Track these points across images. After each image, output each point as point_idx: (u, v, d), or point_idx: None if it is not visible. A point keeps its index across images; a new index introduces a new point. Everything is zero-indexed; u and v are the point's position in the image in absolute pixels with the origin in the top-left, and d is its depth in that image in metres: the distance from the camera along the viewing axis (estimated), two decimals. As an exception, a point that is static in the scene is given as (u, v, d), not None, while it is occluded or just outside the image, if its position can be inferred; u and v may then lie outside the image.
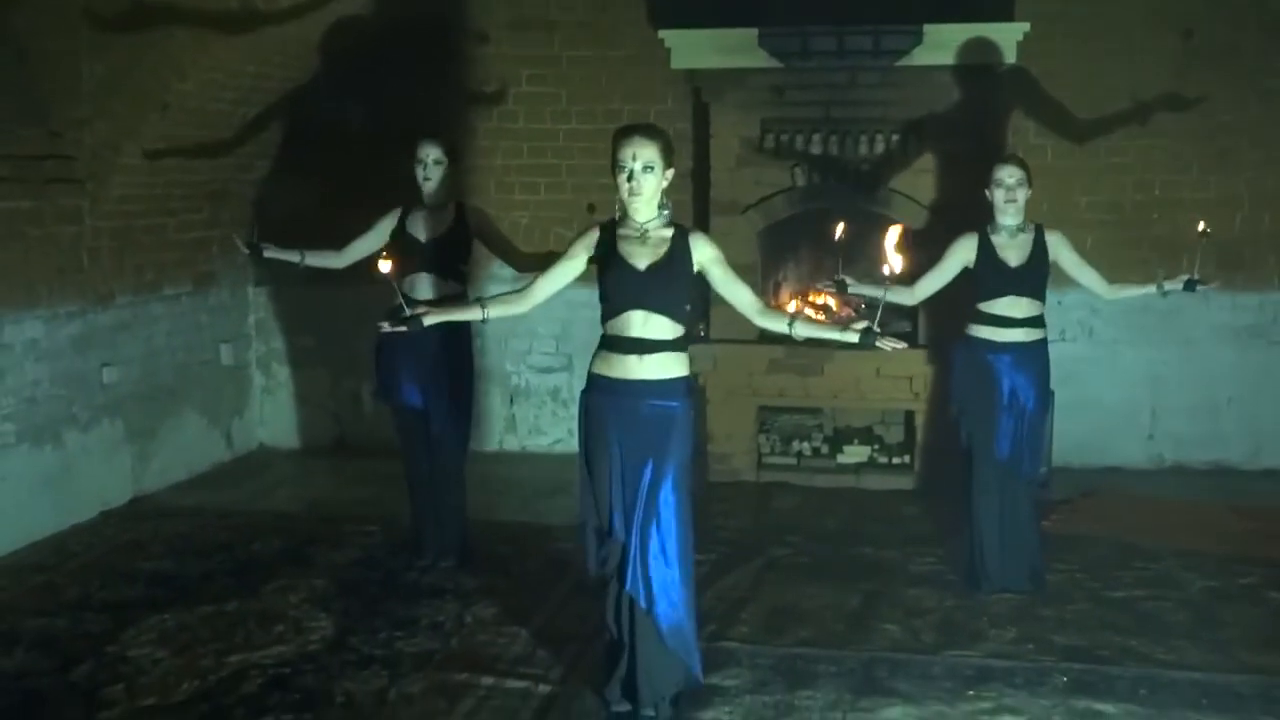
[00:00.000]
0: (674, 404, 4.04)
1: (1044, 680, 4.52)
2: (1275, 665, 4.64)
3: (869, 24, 6.76)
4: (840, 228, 5.40)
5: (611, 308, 4.06)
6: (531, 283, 4.26)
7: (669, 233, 4.06)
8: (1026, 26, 6.71)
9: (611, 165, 4.01)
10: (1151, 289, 5.49)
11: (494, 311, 4.30)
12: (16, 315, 6.06)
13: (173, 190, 7.08)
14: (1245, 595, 5.41)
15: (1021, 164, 5.37)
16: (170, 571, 5.74)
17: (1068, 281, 7.16)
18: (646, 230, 4.03)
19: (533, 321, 8.00)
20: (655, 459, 4.01)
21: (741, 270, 7.04)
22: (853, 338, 4.01)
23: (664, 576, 4.03)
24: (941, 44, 6.77)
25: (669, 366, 4.04)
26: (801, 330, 4.12)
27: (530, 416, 8.13)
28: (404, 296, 4.79)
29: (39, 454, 6.23)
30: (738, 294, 4.17)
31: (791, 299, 7.87)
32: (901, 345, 4.12)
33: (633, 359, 4.01)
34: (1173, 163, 7.38)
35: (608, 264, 4.04)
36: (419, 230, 5.61)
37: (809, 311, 7.73)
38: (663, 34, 7.02)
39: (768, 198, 7.25)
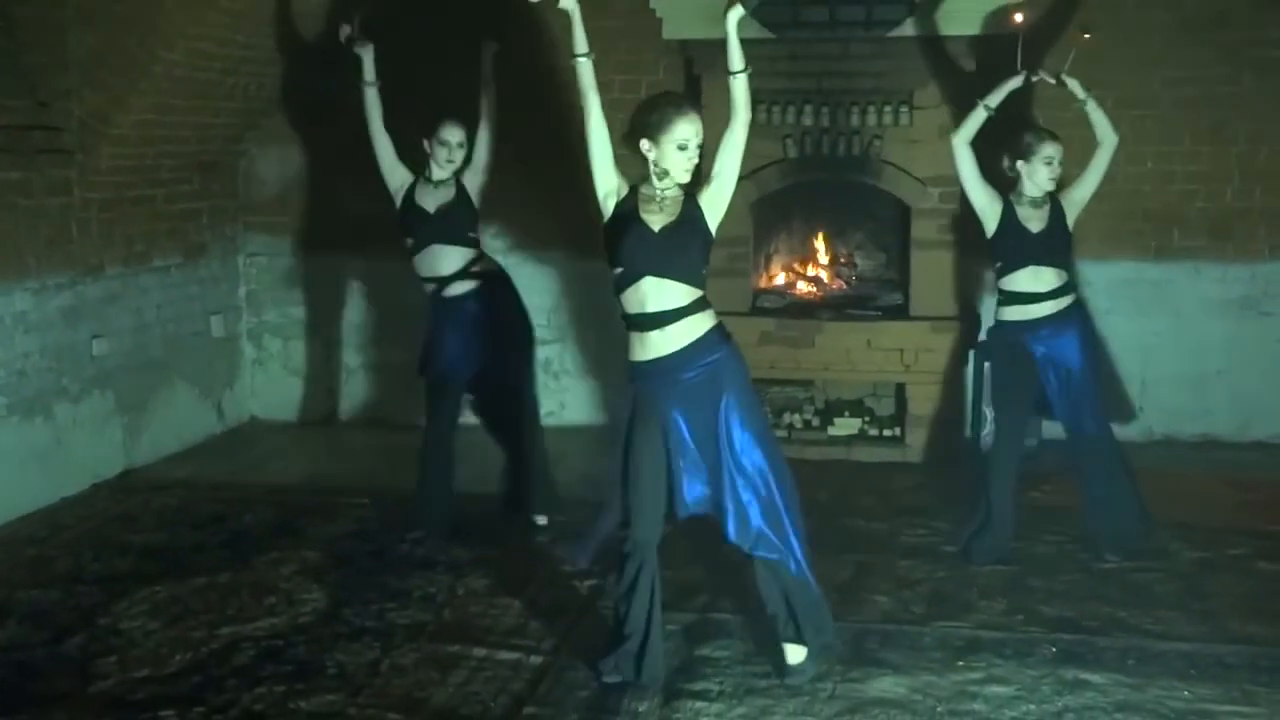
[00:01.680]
0: (715, 356, 4.01)
1: (1033, 651, 4.54)
2: (1263, 635, 4.67)
3: (861, -6, 6.74)
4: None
5: (625, 275, 4.00)
6: (601, 115, 4.10)
7: (681, 195, 4.04)
8: (1022, -5, 6.69)
9: (650, 134, 3.94)
10: (1089, 102, 5.41)
11: (586, 65, 4.11)
12: (5, 287, 6.03)
13: (162, 161, 7.05)
14: (1234, 566, 5.43)
15: (1059, 140, 5.37)
16: (162, 544, 5.75)
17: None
18: (665, 195, 4.01)
19: (525, 294, 7.95)
20: (717, 415, 3.99)
21: (734, 242, 7.18)
22: (738, 10, 3.94)
23: (780, 524, 4.09)
24: (934, 15, 6.73)
25: (694, 328, 3.99)
26: (734, 58, 3.96)
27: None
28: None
29: (29, 427, 6.22)
30: (731, 152, 4.03)
31: (784, 271, 7.88)
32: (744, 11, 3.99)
33: (655, 335, 3.97)
34: (1165, 135, 7.37)
35: (625, 223, 4.00)
36: (427, 202, 5.62)
37: (800, 285, 7.76)
38: (654, 4, 6.98)
39: (760, 169, 7.22)
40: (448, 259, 5.62)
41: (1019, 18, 5.72)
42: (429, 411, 5.83)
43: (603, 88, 7.16)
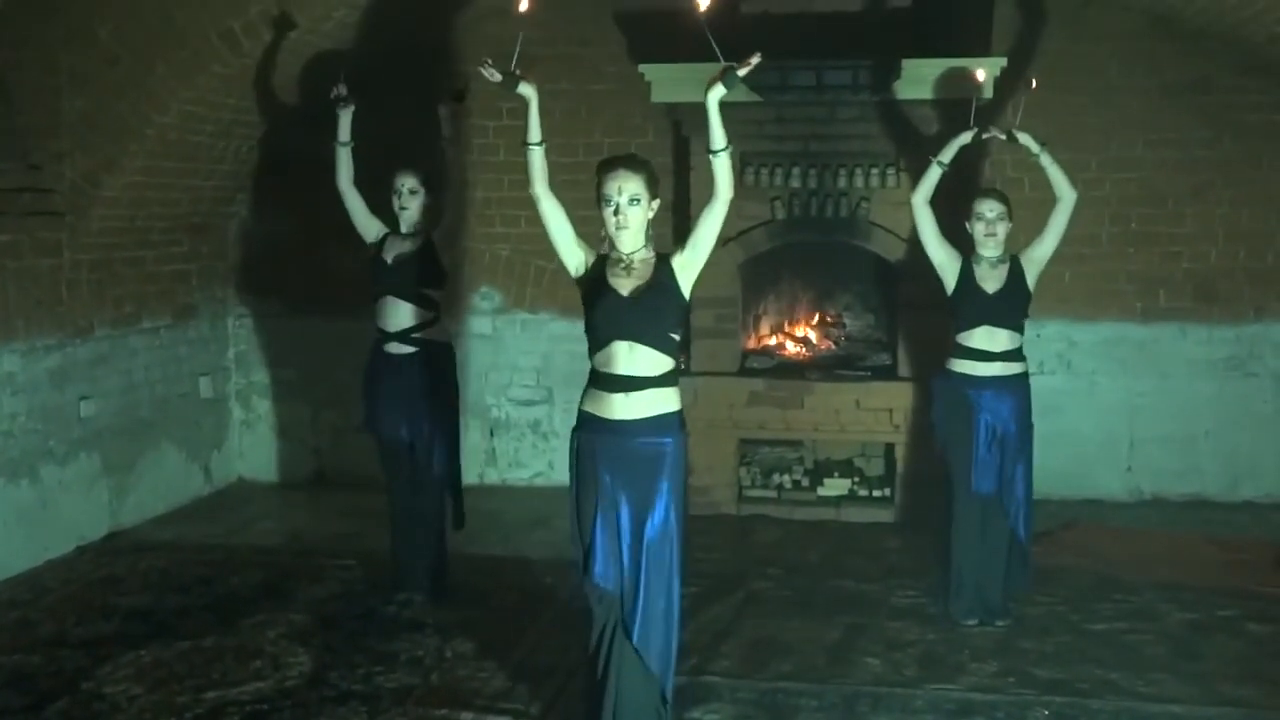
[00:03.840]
0: (666, 440, 3.94)
1: (1025, 714, 4.51)
2: (1254, 698, 4.65)
3: (848, 59, 6.82)
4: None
5: (597, 338, 3.97)
6: (555, 200, 4.09)
7: (653, 258, 4.00)
8: (1004, 61, 6.77)
9: (596, 198, 3.96)
10: (1044, 156, 5.39)
11: (537, 153, 4.12)
12: (-7, 348, 6.03)
13: (152, 223, 7.07)
14: (1224, 627, 5.42)
15: (1002, 197, 5.42)
16: (147, 607, 5.70)
17: (1046, 312, 7.25)
18: (632, 259, 3.96)
19: (513, 354, 8.03)
20: (648, 496, 3.90)
21: (723, 303, 7.20)
22: (718, 90, 3.89)
23: (658, 613, 3.92)
24: (919, 78, 6.82)
25: (658, 403, 3.94)
26: (715, 138, 3.90)
27: (510, 449, 8.11)
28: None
29: (15, 489, 6.18)
30: (709, 223, 3.97)
31: (772, 331, 7.90)
32: (755, 58, 3.91)
33: (619, 397, 3.91)
34: (1148, 197, 7.46)
35: (594, 291, 3.97)
36: (389, 253, 5.64)
37: (789, 345, 7.78)
38: (643, 68, 7.05)
39: (748, 230, 7.27)
40: (397, 313, 5.59)
41: (980, 75, 5.80)
42: (384, 475, 5.83)
43: (592, 150, 7.41)
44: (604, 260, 4.03)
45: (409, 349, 5.62)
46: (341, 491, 7.83)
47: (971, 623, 5.40)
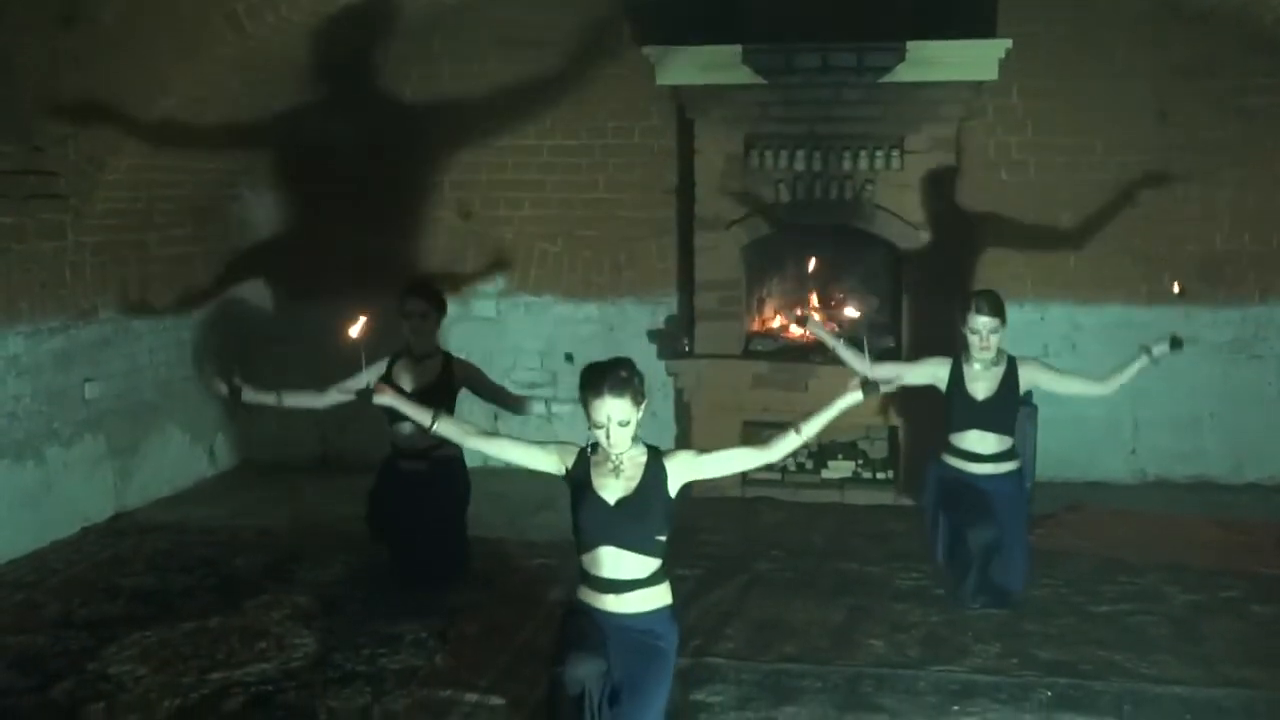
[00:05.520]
0: (659, 635, 3.84)
1: (1028, 695, 4.52)
2: (1258, 679, 4.65)
3: (853, 41, 6.80)
4: (812, 263, 5.39)
5: (582, 541, 3.85)
6: (498, 434, 4.06)
7: (643, 458, 3.84)
8: (1009, 44, 6.75)
9: (584, 409, 3.78)
10: (1144, 360, 5.34)
11: (443, 428, 4.09)
12: (-2, 331, 6.04)
13: (156, 205, 7.07)
14: (1228, 609, 5.43)
15: (997, 309, 5.29)
16: (152, 588, 5.72)
17: (1052, 295, 7.23)
18: (620, 460, 3.81)
19: (517, 337, 8.02)
20: (635, 682, 3.76)
21: (726, 285, 7.20)
22: (857, 397, 3.96)
23: None
24: (925, 61, 6.79)
25: (649, 600, 3.83)
26: (811, 428, 3.95)
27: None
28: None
29: (20, 470, 6.20)
30: (734, 462, 3.98)
31: (776, 314, 7.89)
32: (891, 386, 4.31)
33: (610, 597, 3.82)
34: (1154, 179, 7.43)
35: (580, 494, 3.84)
36: (405, 380, 5.56)
37: (793, 328, 7.76)
38: (647, 51, 7.03)
39: (752, 213, 7.26)
40: (415, 432, 5.44)
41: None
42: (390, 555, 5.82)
43: (596, 133, 7.38)
44: (587, 457, 3.88)
45: (422, 465, 5.61)
46: (345, 474, 7.83)
47: (975, 605, 5.40)
